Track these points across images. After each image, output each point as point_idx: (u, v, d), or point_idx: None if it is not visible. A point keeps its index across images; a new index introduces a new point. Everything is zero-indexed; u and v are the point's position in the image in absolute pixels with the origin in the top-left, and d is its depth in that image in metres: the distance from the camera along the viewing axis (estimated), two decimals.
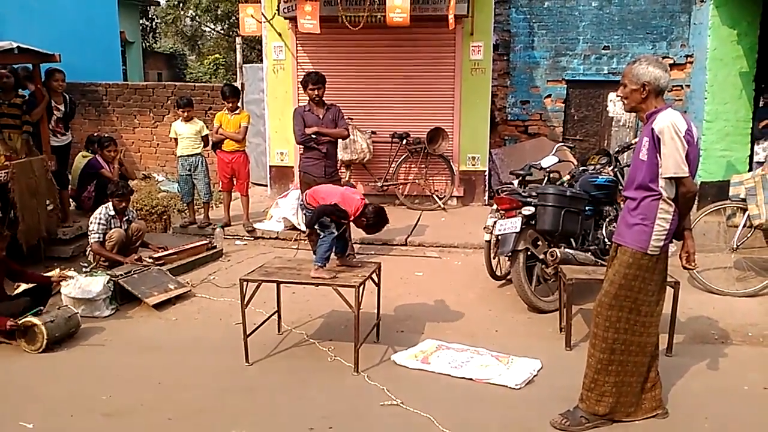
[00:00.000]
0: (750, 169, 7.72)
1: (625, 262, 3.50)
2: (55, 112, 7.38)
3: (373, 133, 9.01)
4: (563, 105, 10.35)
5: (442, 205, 8.97)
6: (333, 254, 4.61)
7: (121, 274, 5.74)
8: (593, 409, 3.61)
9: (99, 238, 6.27)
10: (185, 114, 7.85)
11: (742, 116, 8.21)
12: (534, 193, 5.48)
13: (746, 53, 8.07)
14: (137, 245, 6.59)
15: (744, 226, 5.89)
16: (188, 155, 7.86)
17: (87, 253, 6.51)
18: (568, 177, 6.14)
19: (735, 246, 5.93)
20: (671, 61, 9.59)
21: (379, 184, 8.95)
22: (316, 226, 4.56)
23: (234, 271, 6.41)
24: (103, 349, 4.82)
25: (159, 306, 5.55)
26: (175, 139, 7.93)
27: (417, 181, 9.13)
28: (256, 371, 4.39)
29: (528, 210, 5.37)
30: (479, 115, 9.01)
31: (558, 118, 10.39)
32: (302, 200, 4.80)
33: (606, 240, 5.69)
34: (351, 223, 4.75)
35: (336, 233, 4.50)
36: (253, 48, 17.50)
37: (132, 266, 6.03)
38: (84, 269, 6.30)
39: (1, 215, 6.38)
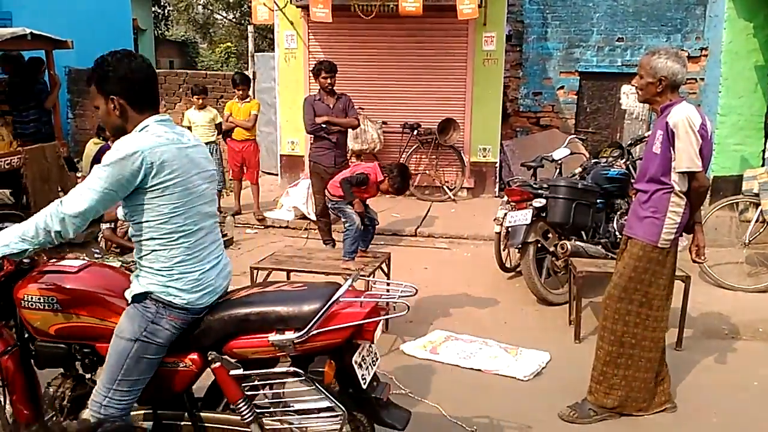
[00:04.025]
0: (763, 164, 7.65)
1: (635, 255, 3.49)
2: None
3: (384, 123, 9.00)
4: (576, 97, 10.29)
5: (453, 197, 8.96)
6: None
7: (132, 261, 5.76)
8: (601, 401, 3.61)
9: (111, 224, 6.30)
10: (200, 101, 7.86)
11: (757, 110, 8.12)
12: (545, 185, 5.46)
13: (762, 46, 7.97)
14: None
15: (757, 221, 5.85)
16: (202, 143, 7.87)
17: (99, 239, 6.55)
18: (579, 169, 6.11)
19: (747, 241, 5.89)
20: (686, 54, 9.50)
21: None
22: (339, 214, 4.67)
23: (244, 259, 6.42)
24: None
25: None
26: (189, 128, 7.94)
27: (427, 171, 9.12)
28: None
29: (539, 202, 5.35)
30: (491, 106, 8.97)
31: (570, 110, 10.33)
32: (327, 194, 4.84)
33: (617, 233, 5.66)
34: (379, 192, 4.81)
35: (360, 226, 4.54)
36: (265, 37, 17.49)
37: None
38: (96, 255, 6.34)
39: (14, 201, 6.43)
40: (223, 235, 7.02)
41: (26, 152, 6.43)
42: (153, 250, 2.44)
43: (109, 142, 8.25)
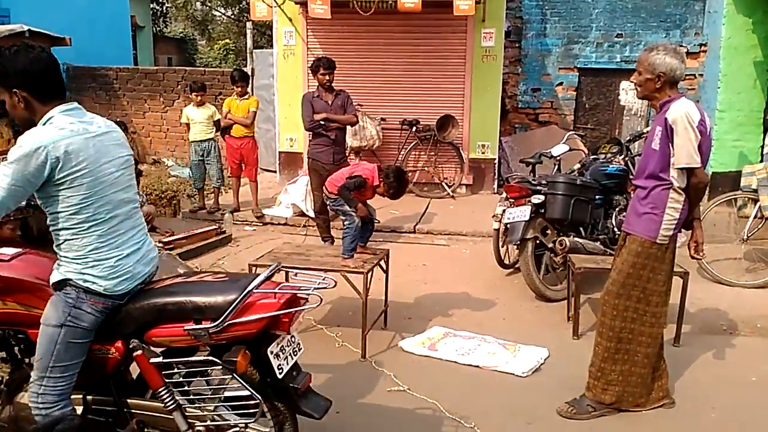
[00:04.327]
0: (762, 160, 7.65)
1: (633, 251, 3.49)
2: None
3: (383, 119, 8.99)
4: (575, 93, 10.28)
5: (451, 193, 8.96)
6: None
7: None
8: (599, 397, 3.62)
9: None
10: (198, 98, 7.86)
11: (756, 106, 8.13)
12: (544, 182, 5.46)
13: (761, 42, 7.97)
14: (147, 229, 6.62)
15: (755, 216, 5.86)
16: (201, 140, 7.88)
17: None
18: (578, 166, 6.11)
19: (745, 237, 5.90)
20: (685, 50, 9.48)
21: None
22: (338, 212, 4.69)
23: (243, 256, 6.43)
24: None
25: None
26: (187, 124, 7.94)
27: (426, 168, 9.12)
28: None
29: (537, 198, 5.35)
30: (490, 102, 8.97)
31: (569, 107, 10.33)
32: (325, 191, 4.83)
33: (615, 229, 5.66)
34: (375, 194, 4.79)
35: (359, 223, 4.54)
36: (264, 33, 17.46)
37: None
38: None
39: None
40: (222, 232, 7.09)
41: None
42: (66, 240, 2.48)
43: None
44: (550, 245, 5.42)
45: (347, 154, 7.26)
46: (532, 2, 10.13)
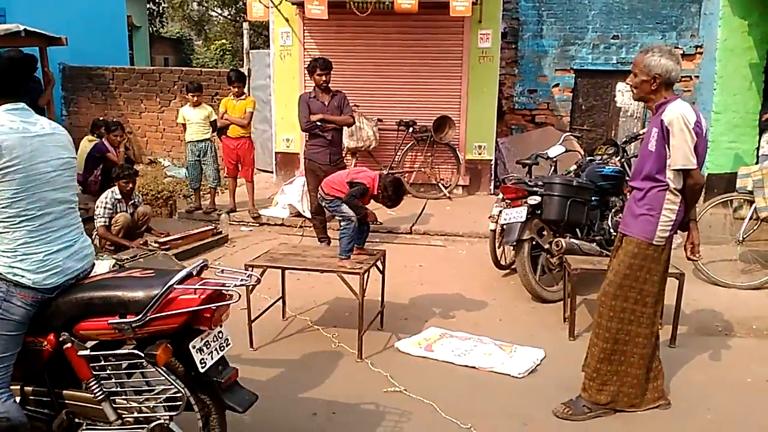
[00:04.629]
0: (757, 162, 7.67)
1: (630, 252, 3.50)
2: None
3: (380, 120, 8.99)
4: (571, 94, 10.30)
5: (448, 194, 8.96)
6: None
7: (127, 258, 5.76)
8: (595, 398, 3.62)
9: (105, 222, 6.29)
10: (195, 99, 7.85)
11: (751, 108, 8.14)
12: (540, 183, 5.46)
13: (757, 44, 7.99)
14: (143, 230, 6.62)
15: (750, 218, 5.87)
16: (197, 141, 7.87)
17: (93, 237, 6.53)
18: (574, 167, 6.12)
19: (741, 238, 5.91)
20: (681, 52, 9.51)
21: (385, 172, 8.93)
22: (334, 213, 4.71)
23: (239, 257, 6.41)
24: None
25: None
26: (183, 125, 7.93)
27: (423, 169, 9.12)
28: (260, 356, 4.41)
29: (534, 199, 5.36)
30: (486, 103, 8.98)
31: (565, 108, 10.33)
32: (321, 193, 4.81)
33: (612, 230, 5.68)
34: (372, 200, 4.77)
35: (356, 224, 4.53)
36: (260, 34, 17.45)
37: (137, 250, 6.05)
38: None
39: None
40: (218, 233, 7.07)
41: None
42: None
43: (103, 140, 8.24)
44: (547, 246, 5.42)
45: (344, 155, 7.26)
46: (528, 3, 10.14)
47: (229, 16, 22.61)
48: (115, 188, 6.41)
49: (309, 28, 9.00)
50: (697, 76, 9.42)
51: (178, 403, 2.64)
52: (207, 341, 2.69)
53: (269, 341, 4.62)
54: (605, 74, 10.12)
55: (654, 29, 9.83)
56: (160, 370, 2.59)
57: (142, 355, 2.58)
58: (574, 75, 10.21)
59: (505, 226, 5.52)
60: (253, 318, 4.49)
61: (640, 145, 3.86)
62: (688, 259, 3.70)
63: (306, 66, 7.14)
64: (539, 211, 5.37)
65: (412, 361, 4.35)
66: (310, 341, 4.65)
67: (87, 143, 8.39)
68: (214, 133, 8.02)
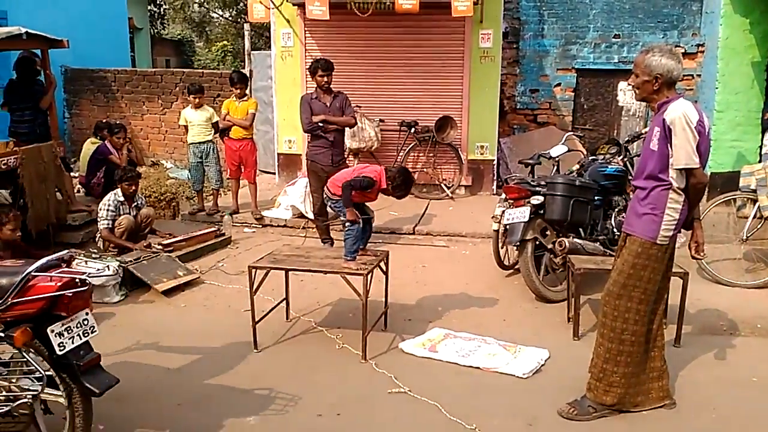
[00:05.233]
0: (760, 160, 7.67)
1: (633, 252, 3.49)
2: None
3: (382, 121, 8.99)
4: (573, 94, 10.29)
5: (450, 194, 8.96)
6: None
7: (131, 260, 5.77)
8: (601, 398, 3.62)
9: (108, 224, 6.30)
10: (196, 100, 7.85)
11: (754, 106, 8.14)
12: (543, 183, 5.46)
13: (758, 42, 7.99)
14: (146, 232, 6.62)
15: (754, 217, 5.86)
16: (199, 142, 7.87)
17: (96, 239, 6.54)
18: (577, 166, 6.11)
19: (745, 237, 5.91)
20: (682, 51, 9.49)
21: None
22: (339, 213, 4.69)
23: (242, 259, 6.42)
24: (113, 333, 4.85)
25: (168, 292, 5.58)
26: (185, 127, 7.93)
27: (425, 169, 9.11)
28: (264, 358, 4.41)
29: (537, 199, 5.35)
30: (488, 103, 8.97)
31: (567, 107, 10.33)
32: (326, 193, 4.81)
33: (615, 230, 5.67)
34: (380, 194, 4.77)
35: (361, 225, 4.53)
36: (262, 35, 17.44)
37: (141, 252, 6.05)
38: (93, 255, 6.33)
39: (11, 201, 6.42)
40: (221, 234, 7.08)
41: (23, 152, 6.39)
42: None
43: (106, 142, 8.25)
44: (550, 246, 5.42)
45: (346, 156, 7.26)
46: (529, 3, 10.13)
47: (230, 18, 22.61)
48: (118, 190, 6.41)
49: (310, 28, 9.00)
50: (699, 75, 9.41)
51: (40, 383, 2.87)
52: (69, 326, 2.92)
53: (273, 342, 4.62)
54: (607, 73, 10.11)
55: (655, 28, 9.82)
56: (21, 351, 2.84)
57: (3, 336, 2.81)
58: (575, 74, 10.20)
59: (508, 226, 5.52)
60: (257, 319, 4.49)
61: (642, 144, 3.85)
62: (693, 257, 3.69)
63: (307, 67, 7.15)
64: (542, 211, 5.37)
65: (416, 361, 4.35)
66: (314, 342, 4.65)
67: (90, 145, 8.39)
68: (217, 135, 8.01)
